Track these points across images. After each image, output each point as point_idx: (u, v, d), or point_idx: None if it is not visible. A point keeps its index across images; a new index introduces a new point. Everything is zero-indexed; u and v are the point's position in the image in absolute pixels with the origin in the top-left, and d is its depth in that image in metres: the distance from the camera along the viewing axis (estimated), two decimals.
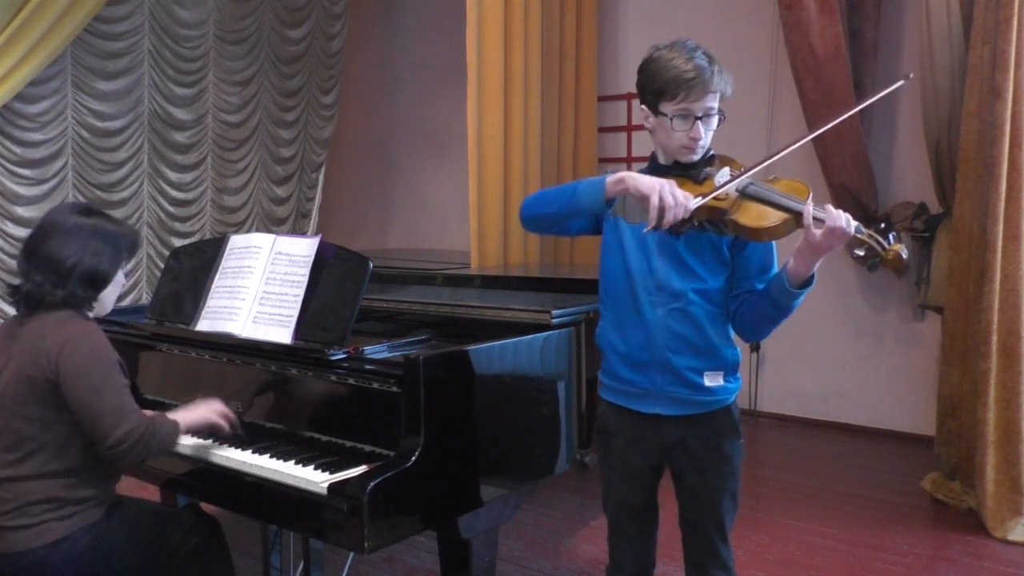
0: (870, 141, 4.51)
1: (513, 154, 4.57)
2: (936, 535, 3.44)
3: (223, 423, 2.16)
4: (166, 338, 2.50)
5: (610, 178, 1.83)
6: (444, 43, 6.30)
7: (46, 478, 1.94)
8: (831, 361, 5.00)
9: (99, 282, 2.05)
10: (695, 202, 1.71)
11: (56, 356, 1.91)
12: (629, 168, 5.29)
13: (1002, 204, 3.40)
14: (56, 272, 1.99)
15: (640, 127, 5.45)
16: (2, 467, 1.95)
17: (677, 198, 1.70)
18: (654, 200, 1.70)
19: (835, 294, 4.91)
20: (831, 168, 4.44)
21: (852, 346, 4.94)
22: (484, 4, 4.30)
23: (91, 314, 2.09)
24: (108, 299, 2.12)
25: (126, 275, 2.23)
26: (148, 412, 2.09)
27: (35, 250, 2.02)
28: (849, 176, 4.42)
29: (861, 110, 4.30)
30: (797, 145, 1.85)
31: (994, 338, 3.43)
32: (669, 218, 1.70)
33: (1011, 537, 3.34)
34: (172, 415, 2.09)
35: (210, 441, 2.17)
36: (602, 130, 5.62)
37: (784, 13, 4.33)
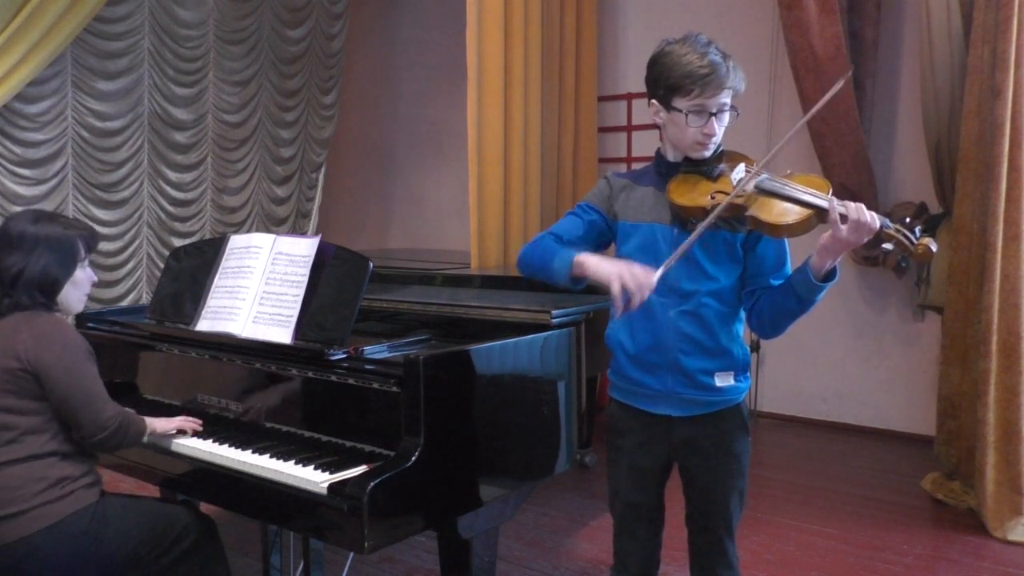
0: (870, 141, 4.51)
1: (513, 154, 4.57)
2: (936, 535, 3.44)
3: (186, 428, 2.25)
4: (166, 338, 2.50)
5: (574, 260, 1.81)
6: (444, 43, 6.30)
7: (31, 460, 1.99)
8: (831, 361, 5.00)
9: (48, 287, 2.11)
10: (658, 275, 1.69)
11: (34, 349, 2.00)
12: (629, 167, 5.30)
13: (1002, 204, 3.40)
14: (0, 282, 2.07)
15: (640, 127, 5.50)
16: None
17: (639, 280, 1.66)
18: (615, 289, 1.68)
19: (835, 294, 4.87)
20: (831, 168, 4.44)
21: (852, 346, 4.93)
22: (484, 4, 4.30)
23: (57, 314, 2.15)
24: (71, 299, 2.17)
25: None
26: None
27: None
28: (849, 176, 4.42)
29: (861, 111, 4.35)
30: (802, 122, 1.82)
31: (994, 338, 3.43)
32: (636, 302, 1.67)
33: (1011, 537, 3.34)
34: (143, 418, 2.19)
35: (210, 441, 2.18)
36: (602, 130, 5.61)
37: (784, 13, 4.33)
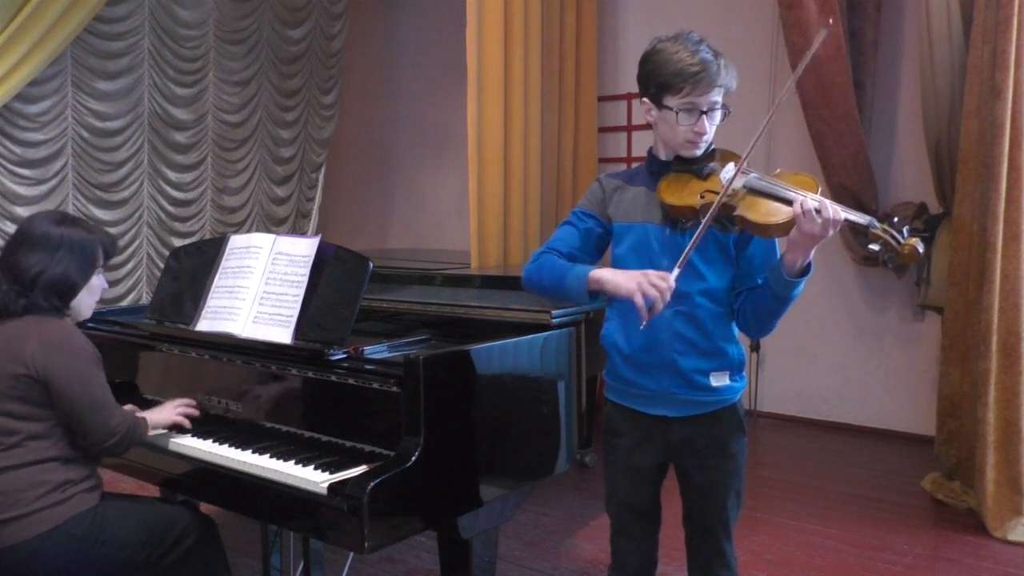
0: (870, 141, 4.51)
1: (513, 154, 4.57)
2: (936, 535, 3.44)
3: (184, 421, 2.24)
4: (166, 338, 2.50)
5: (590, 277, 1.81)
6: (444, 43, 6.30)
7: (33, 465, 1.98)
8: (831, 361, 5.00)
9: (66, 291, 2.10)
10: (675, 276, 1.69)
11: (43, 356, 1.98)
12: (629, 167, 5.29)
13: (1002, 204, 3.40)
14: (19, 282, 2.04)
15: (640, 127, 5.50)
16: None
17: (659, 287, 1.67)
18: (638, 300, 1.68)
19: (835, 294, 4.91)
20: (831, 168, 4.44)
21: (852, 346, 4.94)
22: (484, 4, 4.30)
23: (67, 319, 2.14)
24: (83, 305, 2.17)
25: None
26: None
27: (4, 259, 2.08)
28: (849, 176, 4.42)
29: (861, 111, 4.35)
30: (781, 97, 1.81)
31: (994, 338, 3.43)
32: (659, 307, 1.68)
33: (1011, 537, 3.34)
34: (141, 415, 2.19)
35: (210, 441, 2.18)
36: (602, 130, 5.62)
37: (784, 13, 4.33)
